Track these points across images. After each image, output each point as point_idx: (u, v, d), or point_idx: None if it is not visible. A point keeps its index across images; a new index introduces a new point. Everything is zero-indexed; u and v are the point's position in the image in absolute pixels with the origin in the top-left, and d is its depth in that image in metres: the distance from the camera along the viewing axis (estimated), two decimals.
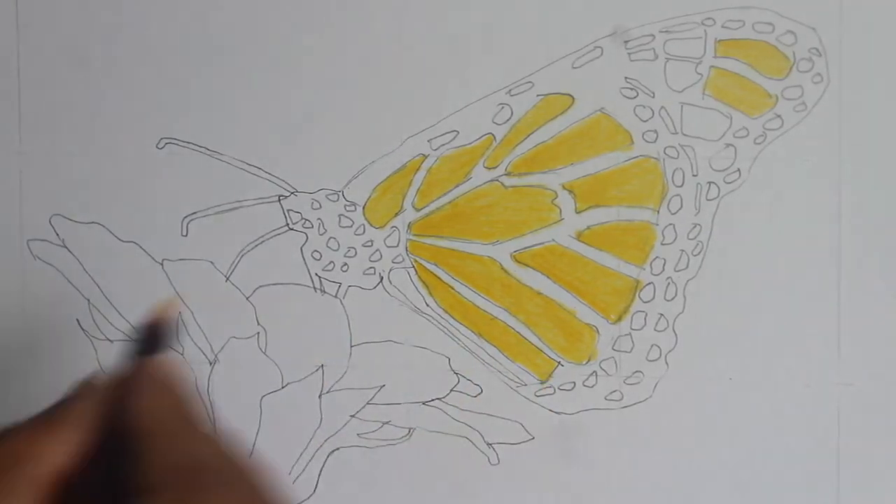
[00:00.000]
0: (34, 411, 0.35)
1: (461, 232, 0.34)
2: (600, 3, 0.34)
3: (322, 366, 0.35)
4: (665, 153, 0.34)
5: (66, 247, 0.35)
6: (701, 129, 0.34)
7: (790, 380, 0.34)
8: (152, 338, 0.29)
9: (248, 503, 0.26)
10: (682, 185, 0.34)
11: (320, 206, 0.35)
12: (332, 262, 0.35)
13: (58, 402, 0.28)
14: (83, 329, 0.35)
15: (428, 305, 0.35)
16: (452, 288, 0.34)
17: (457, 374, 0.35)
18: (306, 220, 0.35)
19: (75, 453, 0.27)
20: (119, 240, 0.35)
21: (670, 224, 0.34)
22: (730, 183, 0.34)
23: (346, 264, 0.35)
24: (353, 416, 0.35)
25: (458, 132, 0.34)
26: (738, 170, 0.34)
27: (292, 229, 0.35)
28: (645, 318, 0.34)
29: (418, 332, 0.35)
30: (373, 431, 0.35)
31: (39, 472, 0.27)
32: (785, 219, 0.34)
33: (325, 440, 0.35)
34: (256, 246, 0.35)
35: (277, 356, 0.35)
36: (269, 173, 0.35)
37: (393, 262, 0.35)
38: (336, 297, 0.35)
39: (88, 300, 0.35)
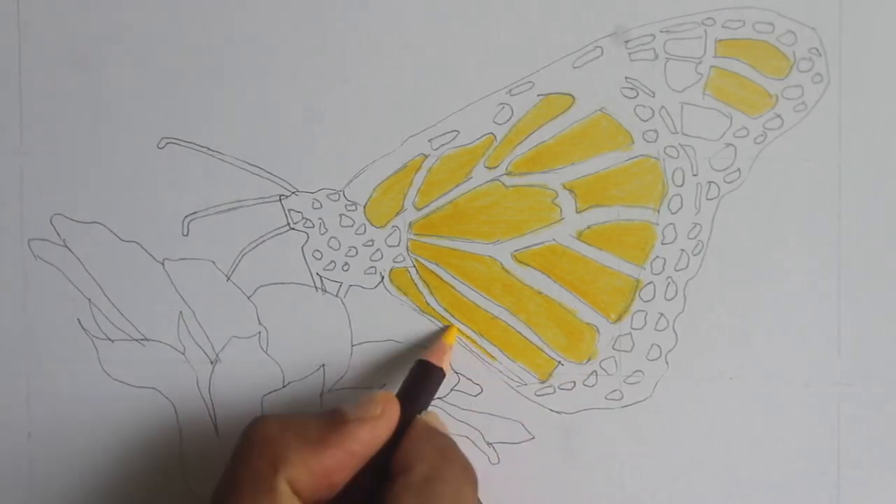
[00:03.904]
0: (34, 411, 0.35)
1: (462, 231, 0.34)
2: (601, 2, 0.34)
3: (323, 365, 0.35)
4: (665, 153, 0.34)
5: (67, 246, 0.35)
6: (701, 129, 0.34)
7: (790, 380, 0.34)
8: (428, 382, 0.33)
9: None
10: (682, 185, 0.34)
11: (321, 206, 0.35)
12: (332, 261, 0.35)
13: (334, 414, 0.30)
14: (84, 329, 0.35)
15: (429, 305, 0.35)
16: (453, 287, 0.34)
17: (457, 373, 0.35)
18: (307, 219, 0.35)
19: (336, 475, 0.29)
20: (120, 239, 0.35)
21: (670, 223, 0.34)
22: (730, 182, 0.34)
23: (346, 264, 0.35)
24: None
25: (458, 132, 0.34)
26: (738, 169, 0.34)
27: (293, 229, 0.35)
28: (645, 318, 0.34)
29: (419, 332, 0.35)
30: None
31: (294, 478, 0.28)
32: (785, 218, 0.34)
33: None
34: (257, 245, 0.35)
35: (279, 355, 0.35)
36: (270, 173, 0.35)
37: (394, 262, 0.35)
38: (337, 296, 0.35)
39: (90, 300, 0.35)
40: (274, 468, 0.28)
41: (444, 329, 0.34)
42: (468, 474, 0.30)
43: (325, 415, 0.30)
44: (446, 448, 0.30)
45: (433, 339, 0.34)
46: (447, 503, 0.28)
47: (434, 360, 0.33)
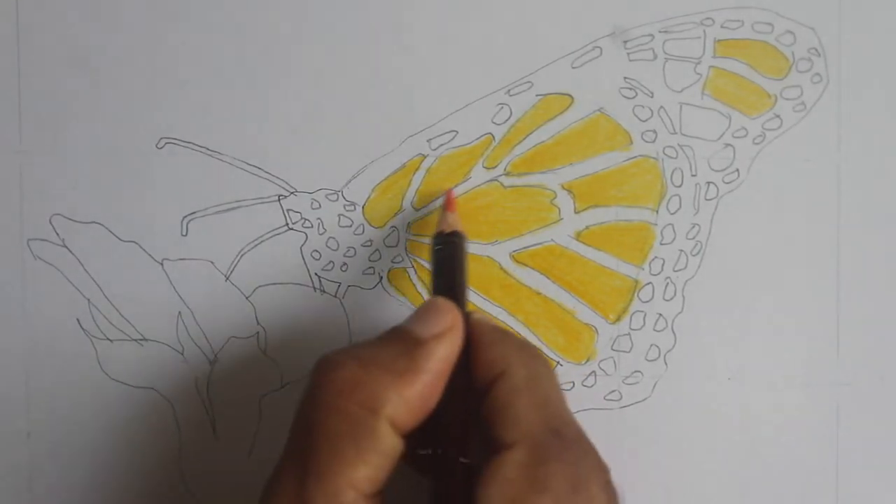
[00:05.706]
0: (34, 411, 0.35)
1: None
2: (600, 3, 0.34)
3: None
4: (664, 153, 0.34)
5: (66, 246, 0.35)
6: (700, 129, 0.34)
7: (789, 380, 0.34)
8: None
9: (588, 477, 0.26)
10: (680, 185, 0.34)
11: (320, 206, 0.35)
12: (331, 261, 0.35)
13: (403, 337, 0.27)
14: (83, 329, 0.35)
15: None
16: None
17: None
18: (306, 219, 0.35)
19: (430, 400, 0.27)
20: (119, 239, 0.35)
21: (669, 224, 0.34)
22: (729, 183, 0.34)
23: (345, 264, 0.35)
24: None
25: (457, 132, 0.34)
26: (737, 170, 0.34)
27: (292, 229, 0.35)
28: (644, 318, 0.34)
29: None
30: None
31: (393, 415, 0.26)
32: (784, 219, 0.34)
33: None
34: (256, 245, 0.35)
35: (277, 356, 0.35)
36: (269, 173, 0.35)
37: (392, 262, 0.35)
38: (335, 296, 0.35)
39: (88, 300, 0.35)
40: (373, 411, 0.25)
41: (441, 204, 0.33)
42: (548, 362, 0.29)
43: (392, 340, 0.27)
44: (523, 343, 0.29)
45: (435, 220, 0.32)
46: (553, 393, 0.27)
47: (447, 229, 0.31)
